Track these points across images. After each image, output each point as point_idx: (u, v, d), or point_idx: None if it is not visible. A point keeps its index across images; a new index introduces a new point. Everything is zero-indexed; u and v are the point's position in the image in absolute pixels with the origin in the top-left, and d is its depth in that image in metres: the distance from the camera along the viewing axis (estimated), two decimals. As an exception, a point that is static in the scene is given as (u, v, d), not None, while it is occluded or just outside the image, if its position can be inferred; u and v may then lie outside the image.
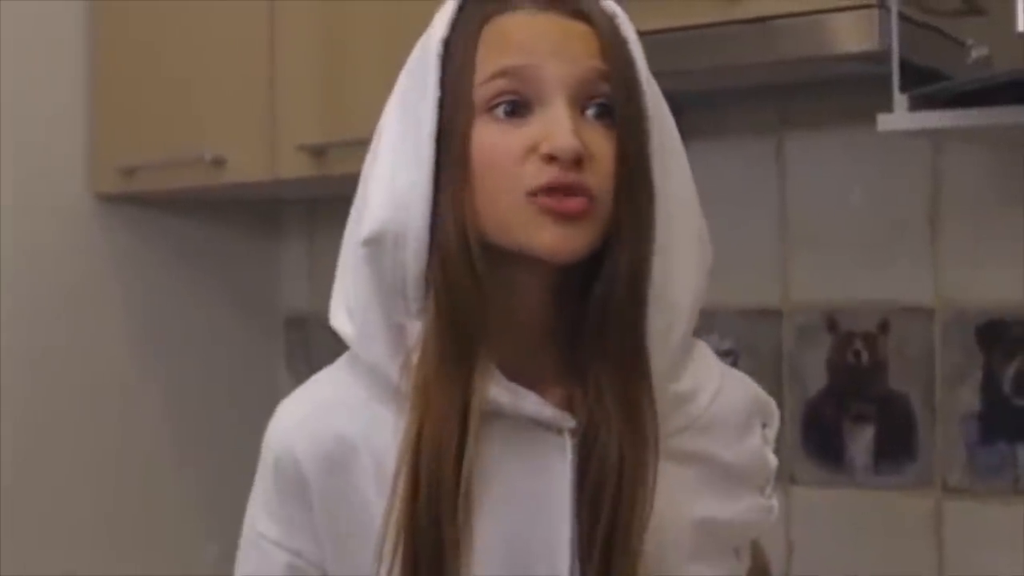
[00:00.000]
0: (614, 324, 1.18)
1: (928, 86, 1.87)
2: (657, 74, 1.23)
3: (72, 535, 2.76)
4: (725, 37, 2.07)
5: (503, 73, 1.17)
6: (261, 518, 1.27)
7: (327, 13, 2.52)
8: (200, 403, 2.97)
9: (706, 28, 2.07)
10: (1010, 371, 2.20)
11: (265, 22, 2.60)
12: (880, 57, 1.93)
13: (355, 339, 1.24)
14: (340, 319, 1.25)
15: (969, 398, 2.23)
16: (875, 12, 1.93)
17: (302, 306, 3.05)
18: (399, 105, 1.22)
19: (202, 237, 3.00)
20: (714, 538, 1.26)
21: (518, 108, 1.17)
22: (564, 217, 1.15)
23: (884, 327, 2.31)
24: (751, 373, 1.37)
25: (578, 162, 1.15)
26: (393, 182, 1.19)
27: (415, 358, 1.18)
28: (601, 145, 1.17)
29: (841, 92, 2.28)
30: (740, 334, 2.42)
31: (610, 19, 1.21)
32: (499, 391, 1.19)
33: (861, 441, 2.33)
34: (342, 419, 1.24)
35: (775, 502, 1.32)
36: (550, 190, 1.15)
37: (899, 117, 1.91)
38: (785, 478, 2.33)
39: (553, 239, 1.15)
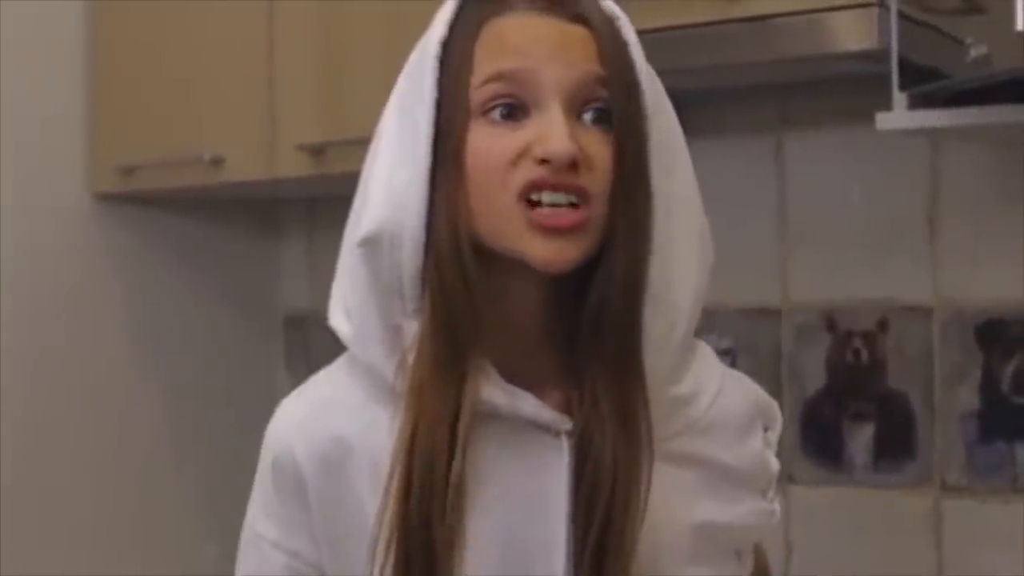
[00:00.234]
0: (609, 328, 1.18)
1: (927, 85, 1.87)
2: (656, 73, 1.23)
3: (72, 535, 2.76)
4: (724, 36, 2.07)
5: (499, 77, 1.17)
6: (260, 518, 1.27)
7: (326, 12, 2.52)
8: (199, 402, 2.97)
9: (705, 27, 2.07)
10: (1009, 370, 2.20)
11: (264, 22, 2.60)
12: (879, 56, 1.93)
13: (352, 339, 1.24)
14: (338, 319, 1.25)
15: (968, 397, 2.23)
16: (874, 11, 1.93)
17: (301, 305, 3.05)
18: (398, 106, 1.22)
19: (201, 236, 3.00)
20: (714, 541, 1.26)
21: (514, 111, 1.17)
22: (555, 231, 1.15)
23: (883, 326, 2.31)
24: (750, 372, 1.37)
25: (574, 166, 1.15)
26: (390, 182, 1.19)
27: (411, 358, 1.18)
28: (597, 149, 1.17)
29: (840, 91, 2.28)
30: (739, 333, 2.42)
31: (610, 22, 1.20)
32: (496, 392, 1.18)
33: (860, 440, 2.33)
34: (340, 420, 1.24)
35: (777, 506, 1.32)
36: (541, 196, 1.14)
37: (898, 116, 1.91)
38: (784, 477, 2.31)
39: (546, 252, 1.15)
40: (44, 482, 2.74)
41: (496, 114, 1.17)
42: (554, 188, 1.15)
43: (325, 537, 1.23)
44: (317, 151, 2.50)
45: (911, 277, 2.28)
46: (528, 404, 1.19)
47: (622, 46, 1.20)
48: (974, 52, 1.73)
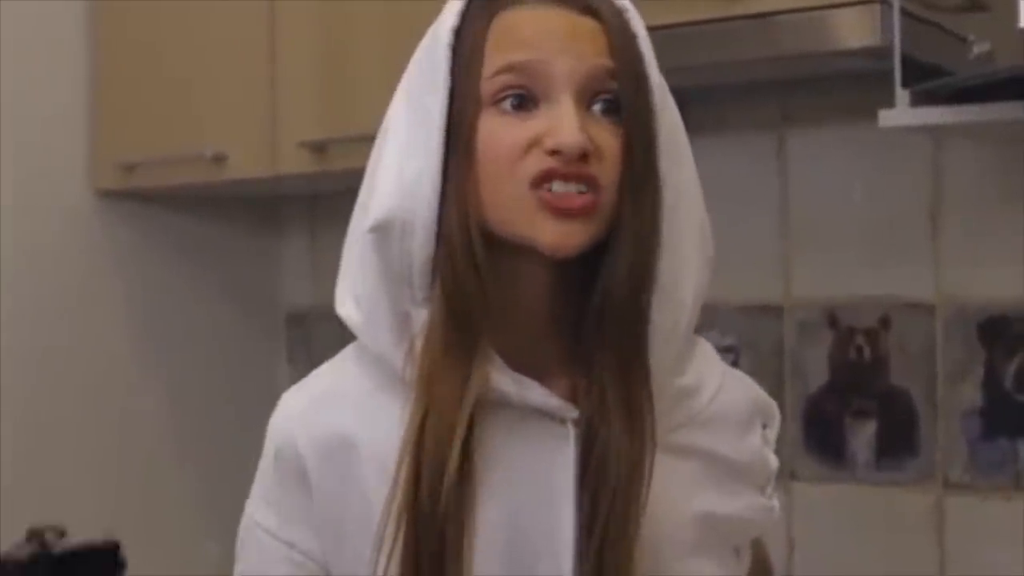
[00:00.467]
0: (616, 318, 1.19)
1: (930, 82, 1.87)
2: (659, 69, 1.23)
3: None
4: (727, 33, 2.07)
5: (510, 68, 1.18)
6: (260, 508, 1.28)
7: (327, 9, 2.52)
8: (201, 399, 2.97)
9: (708, 24, 2.07)
10: (1011, 367, 2.20)
11: (265, 19, 2.60)
12: (882, 53, 1.93)
13: (362, 327, 1.24)
14: (347, 306, 1.25)
15: (970, 394, 2.23)
16: (877, 8, 1.93)
17: (303, 302, 3.05)
18: (408, 94, 1.23)
19: (203, 233, 3.00)
20: (715, 532, 1.26)
21: (525, 102, 1.18)
22: (565, 214, 1.16)
23: (885, 323, 2.31)
24: (752, 369, 1.37)
25: (583, 157, 1.16)
26: (401, 171, 1.19)
27: (419, 346, 1.19)
28: (607, 140, 1.18)
29: (843, 88, 2.28)
30: (741, 330, 2.42)
31: (619, 14, 1.21)
32: (505, 380, 1.19)
33: (862, 437, 2.33)
34: (345, 410, 1.24)
35: (776, 503, 1.33)
36: (552, 183, 1.15)
37: (900, 113, 1.91)
38: (786, 474, 2.33)
39: (554, 235, 1.16)
40: (45, 479, 2.74)
41: (507, 104, 1.18)
42: (565, 178, 1.16)
43: (328, 527, 1.24)
44: (319, 148, 2.50)
45: (913, 274, 2.28)
46: (535, 392, 1.20)
47: (631, 38, 1.21)
48: (977, 49, 1.73)
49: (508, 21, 1.20)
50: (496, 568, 1.18)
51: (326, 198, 3.01)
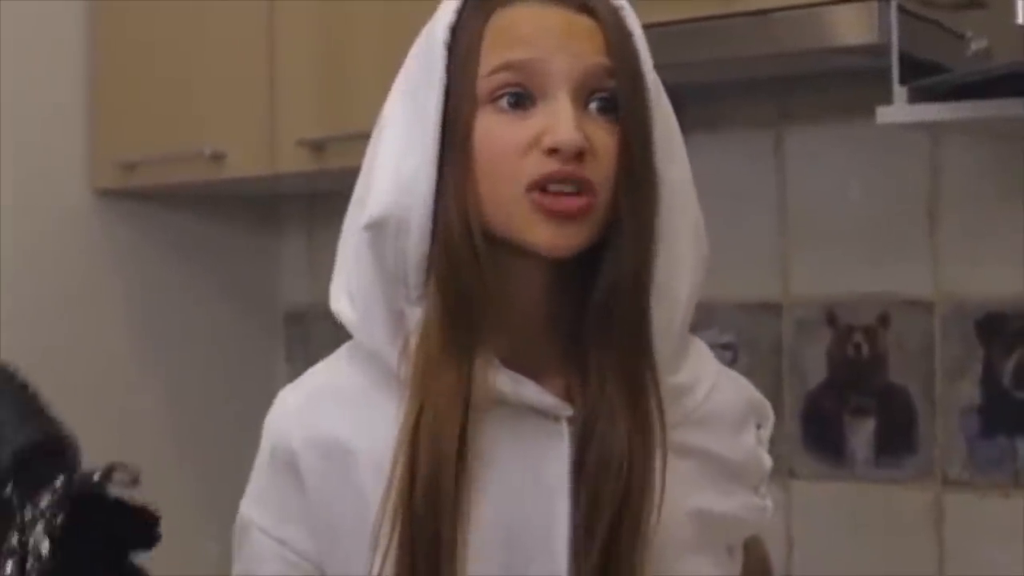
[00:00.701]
0: (619, 315, 1.19)
1: (927, 79, 1.87)
2: (656, 67, 1.23)
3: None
4: (724, 30, 2.07)
5: (507, 67, 1.18)
6: (253, 506, 1.28)
7: (326, 8, 2.52)
8: (200, 398, 2.97)
9: (705, 21, 2.07)
10: (1010, 364, 2.20)
11: (264, 17, 2.60)
12: (879, 50, 1.93)
13: (356, 324, 1.24)
14: (342, 303, 1.25)
15: (969, 391, 2.23)
16: (874, 5, 1.93)
17: (301, 301, 3.05)
18: (405, 91, 1.23)
19: (202, 232, 3.00)
20: (711, 531, 1.27)
21: (522, 100, 1.18)
22: (561, 216, 1.16)
23: (884, 320, 2.31)
24: (751, 367, 1.38)
25: (580, 156, 1.16)
26: (397, 168, 1.19)
27: (413, 344, 1.19)
28: (603, 139, 1.18)
29: (840, 85, 2.28)
30: (740, 328, 2.42)
31: (615, 12, 1.21)
32: (501, 379, 1.19)
33: (861, 434, 2.33)
34: (340, 408, 1.24)
35: (769, 503, 1.33)
36: (548, 185, 1.15)
37: (898, 110, 1.91)
38: (785, 472, 2.33)
39: (550, 237, 1.16)
40: (45, 478, 2.74)
41: (504, 102, 1.18)
42: (560, 182, 1.16)
43: (323, 527, 1.23)
44: (317, 147, 2.50)
45: (911, 271, 2.28)
46: (530, 390, 1.20)
47: (628, 37, 1.21)
48: (974, 46, 1.73)
49: (505, 19, 1.20)
50: (491, 566, 1.18)
51: (325, 197, 3.00)
